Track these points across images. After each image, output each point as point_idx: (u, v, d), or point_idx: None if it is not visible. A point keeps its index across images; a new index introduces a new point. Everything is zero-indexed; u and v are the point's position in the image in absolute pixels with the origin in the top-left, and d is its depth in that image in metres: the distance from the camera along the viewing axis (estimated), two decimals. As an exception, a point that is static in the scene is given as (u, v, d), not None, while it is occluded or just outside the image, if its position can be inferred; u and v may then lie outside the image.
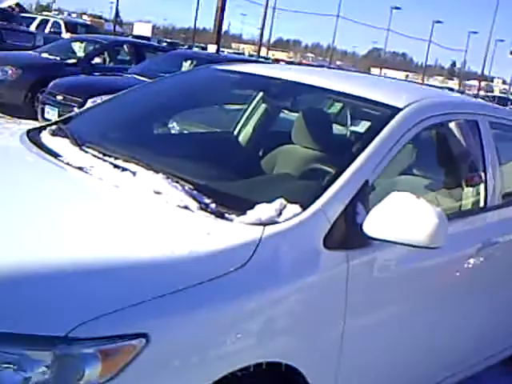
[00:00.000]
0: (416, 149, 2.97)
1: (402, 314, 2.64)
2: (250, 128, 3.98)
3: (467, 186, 3.02)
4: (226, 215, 2.23)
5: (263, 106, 3.93)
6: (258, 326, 2.03)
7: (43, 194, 2.39)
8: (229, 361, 1.92)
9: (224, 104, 3.85)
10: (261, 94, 3.79)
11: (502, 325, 3.48)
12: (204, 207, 2.26)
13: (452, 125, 2.92)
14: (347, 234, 2.33)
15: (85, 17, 74.91)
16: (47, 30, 22.46)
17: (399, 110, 2.76)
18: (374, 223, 2.31)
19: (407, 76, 68.61)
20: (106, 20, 72.08)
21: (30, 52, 12.29)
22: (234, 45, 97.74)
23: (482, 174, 3.12)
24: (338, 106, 3.65)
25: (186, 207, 2.26)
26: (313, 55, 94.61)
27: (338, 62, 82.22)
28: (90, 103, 7.89)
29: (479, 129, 3.16)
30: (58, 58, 11.23)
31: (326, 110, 3.60)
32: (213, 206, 2.29)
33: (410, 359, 2.82)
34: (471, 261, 2.96)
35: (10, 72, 10.47)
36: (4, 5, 31.11)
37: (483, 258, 3.00)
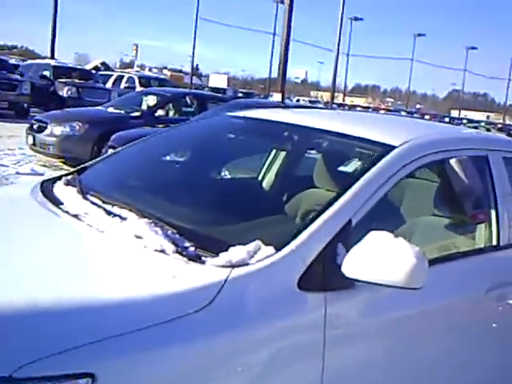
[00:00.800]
0: (412, 187, 2.92)
1: (386, 366, 2.54)
2: (272, 174, 4.01)
3: (471, 223, 2.92)
4: (202, 258, 2.25)
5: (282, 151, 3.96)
6: (219, 365, 2.01)
7: (28, 240, 2.49)
8: None
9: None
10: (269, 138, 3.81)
11: None
12: (180, 251, 2.29)
13: (453, 162, 2.85)
14: (325, 276, 2.29)
15: (165, 71, 77.44)
16: (122, 86, 23.41)
17: (393, 148, 2.74)
18: (353, 263, 2.27)
19: (488, 117, 67.22)
20: (186, 73, 74.34)
21: (99, 107, 12.82)
22: (312, 93, 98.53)
23: (493, 211, 3.01)
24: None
25: (162, 251, 2.29)
26: (392, 100, 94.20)
27: (418, 106, 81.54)
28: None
29: (489, 164, 3.07)
30: (122, 112, 11.64)
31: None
32: (192, 249, 2.31)
33: None
34: (476, 304, 2.85)
35: (77, 127, 10.93)
36: (90, 66, 32.89)
37: (493, 301, 2.88)
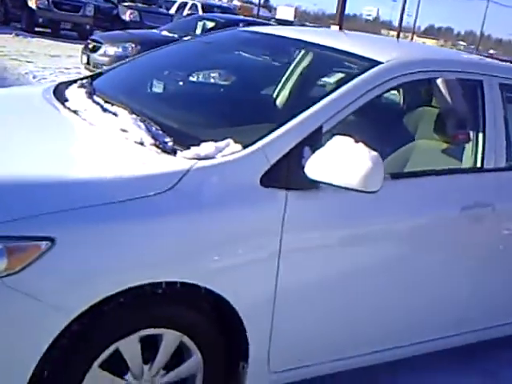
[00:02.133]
0: (396, 103, 3.00)
1: (343, 265, 2.67)
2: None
3: (452, 143, 3.00)
4: (175, 151, 2.43)
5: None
6: (171, 245, 2.20)
7: (23, 126, 2.74)
8: (131, 274, 2.13)
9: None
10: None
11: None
12: (157, 144, 2.47)
13: (439, 81, 2.91)
14: (289, 175, 2.44)
15: (236, 1, 76.71)
16: (185, 13, 23.37)
17: (379, 63, 2.84)
18: (315, 165, 2.41)
19: None
20: (256, 5, 73.56)
21: (154, 30, 12.97)
22: (383, 31, 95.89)
23: (480, 135, 3.08)
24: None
25: (141, 143, 2.49)
26: (464, 43, 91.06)
27: (491, 51, 78.55)
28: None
29: (483, 89, 3.12)
30: (175, 35, 11.76)
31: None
32: (170, 144, 2.50)
33: (349, 317, 2.79)
34: (450, 221, 2.95)
35: (129, 48, 11.13)
36: None
37: (468, 221, 2.97)
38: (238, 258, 2.35)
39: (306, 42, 3.36)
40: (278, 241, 2.40)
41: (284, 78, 3.86)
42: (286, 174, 2.44)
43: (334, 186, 2.40)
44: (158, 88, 3.62)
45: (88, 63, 11.35)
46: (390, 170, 2.76)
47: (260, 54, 3.91)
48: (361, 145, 2.38)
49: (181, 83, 3.80)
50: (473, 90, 3.16)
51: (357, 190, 2.38)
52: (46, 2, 17.86)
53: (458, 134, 2.98)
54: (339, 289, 2.68)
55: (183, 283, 2.23)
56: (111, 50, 11.11)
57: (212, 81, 4.10)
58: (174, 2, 25.08)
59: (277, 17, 43.10)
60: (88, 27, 18.86)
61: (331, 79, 2.97)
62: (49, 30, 18.30)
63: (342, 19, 15.36)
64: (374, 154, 2.36)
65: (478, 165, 3.10)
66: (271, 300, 2.45)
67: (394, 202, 2.73)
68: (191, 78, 3.96)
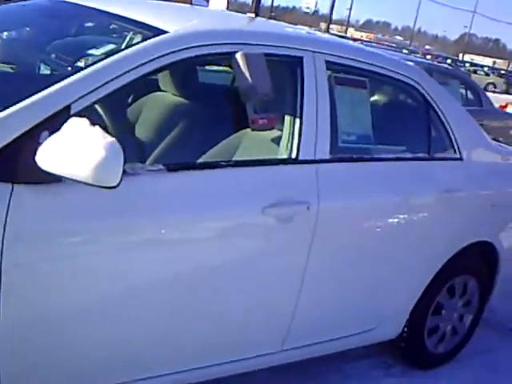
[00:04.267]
0: (183, 80, 2.53)
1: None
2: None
3: (252, 129, 2.53)
4: None
5: None
6: None
7: None
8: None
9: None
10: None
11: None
12: None
13: (238, 56, 2.44)
14: (19, 165, 1.94)
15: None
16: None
17: (164, 32, 2.36)
18: (46, 154, 1.91)
19: (494, 62, 65.27)
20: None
21: None
22: (322, 25, 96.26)
23: (296, 120, 2.63)
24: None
25: None
26: (401, 38, 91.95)
27: (427, 46, 79.53)
28: None
29: (302, 67, 2.67)
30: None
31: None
32: None
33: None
34: (246, 224, 2.50)
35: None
36: None
37: (274, 219, 2.52)
38: None
39: (94, 9, 2.81)
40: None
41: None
42: (14, 164, 1.93)
43: (67, 178, 1.91)
44: None
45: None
46: (167, 161, 2.29)
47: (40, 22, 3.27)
48: (97, 128, 1.90)
49: None
50: (287, 68, 2.73)
51: (91, 185, 1.89)
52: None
53: (257, 119, 2.51)
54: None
55: None
56: None
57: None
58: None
59: (209, 7, 42.41)
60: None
61: (99, 51, 2.45)
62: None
63: (259, 7, 14.83)
64: (110, 140, 1.88)
65: (293, 155, 2.65)
66: None
67: (156, 200, 2.24)
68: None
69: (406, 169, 3.07)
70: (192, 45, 2.37)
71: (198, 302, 2.44)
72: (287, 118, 2.69)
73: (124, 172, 2.11)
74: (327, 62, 2.79)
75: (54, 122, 1.99)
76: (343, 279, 2.88)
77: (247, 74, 2.44)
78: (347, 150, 2.86)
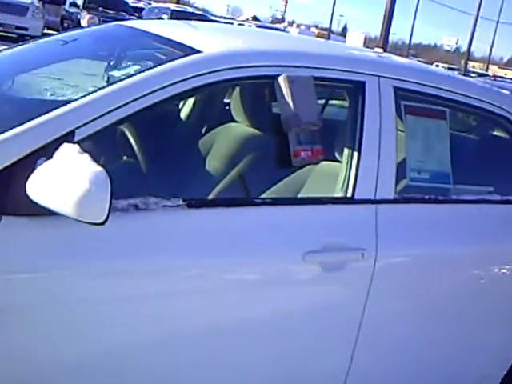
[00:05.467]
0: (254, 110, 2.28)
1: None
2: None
3: (294, 163, 2.20)
4: None
5: None
6: None
7: None
8: None
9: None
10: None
11: None
12: None
13: (281, 80, 2.15)
14: (8, 196, 1.75)
15: (313, 29, 76.52)
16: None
17: (196, 52, 2.13)
18: (36, 183, 1.72)
19: None
20: (333, 32, 73.39)
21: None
22: (463, 62, 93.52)
23: (355, 154, 2.30)
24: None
25: None
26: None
27: None
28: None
29: (364, 93, 2.34)
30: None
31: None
32: None
33: None
34: (293, 267, 2.17)
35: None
36: (241, 18, 32.38)
37: (319, 267, 2.18)
38: None
39: (148, 33, 2.62)
40: None
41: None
42: (5, 194, 1.75)
43: (54, 212, 1.70)
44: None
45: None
46: (188, 196, 2.03)
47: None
48: (85, 156, 1.67)
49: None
50: (345, 94, 2.39)
51: (78, 220, 1.67)
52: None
53: (299, 151, 2.18)
54: None
55: None
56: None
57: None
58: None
59: (346, 43, 42.42)
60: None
61: (120, 72, 2.23)
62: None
63: (387, 42, 14.51)
64: (98, 170, 1.65)
65: (348, 194, 2.29)
66: None
67: (171, 242, 1.97)
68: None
69: (492, 213, 2.61)
70: (224, 67, 2.11)
71: (222, 364, 2.13)
72: (345, 152, 2.35)
73: (136, 207, 1.90)
74: (396, 88, 2.42)
75: (50, 148, 1.79)
76: (402, 341, 2.45)
77: (289, 100, 2.14)
78: (418, 190, 2.46)
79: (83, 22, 18.72)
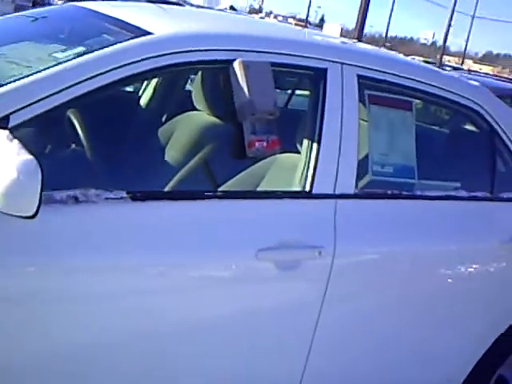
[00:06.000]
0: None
1: None
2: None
3: (248, 154, 2.07)
4: None
5: None
6: None
7: None
8: None
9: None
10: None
11: None
12: None
13: (236, 65, 2.01)
14: None
15: (290, 19, 76.17)
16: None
17: (147, 34, 1.99)
18: None
19: None
20: (311, 23, 73.07)
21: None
22: (438, 56, 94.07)
23: (314, 146, 2.17)
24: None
25: None
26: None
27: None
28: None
29: (325, 81, 2.21)
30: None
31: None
32: None
33: None
34: (246, 265, 2.04)
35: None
36: (218, 7, 32.01)
37: (273, 265, 2.05)
38: None
39: (100, 14, 2.46)
40: None
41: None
42: None
43: None
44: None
45: None
46: (131, 188, 1.88)
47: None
48: (15, 144, 1.52)
49: None
50: (305, 81, 2.26)
51: (5, 213, 1.52)
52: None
53: (253, 141, 2.05)
54: None
55: None
56: None
57: None
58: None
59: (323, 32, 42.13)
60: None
61: (64, 54, 2.07)
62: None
63: (362, 34, 14.41)
64: (28, 158, 1.50)
65: (306, 188, 2.17)
66: None
67: (111, 237, 1.83)
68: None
69: (458, 210, 2.50)
70: (175, 50, 1.97)
71: (169, 364, 1.99)
72: (304, 143, 2.22)
73: (76, 199, 1.76)
74: (360, 76, 2.29)
75: None
76: (361, 343, 2.33)
77: (244, 87, 2.00)
78: (380, 185, 2.34)
79: (55, 6, 18.36)
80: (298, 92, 2.52)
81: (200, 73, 2.42)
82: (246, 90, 1.99)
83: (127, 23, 2.19)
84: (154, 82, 2.97)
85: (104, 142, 2.37)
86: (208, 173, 2.37)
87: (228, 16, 3.77)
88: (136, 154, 2.45)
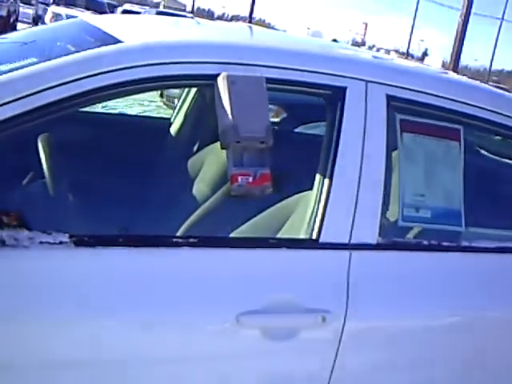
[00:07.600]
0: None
1: None
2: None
3: (231, 191, 1.64)
4: None
5: None
6: None
7: None
8: None
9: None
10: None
11: None
12: None
13: (220, 80, 1.61)
14: None
15: (392, 53, 75.28)
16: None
17: (117, 42, 1.66)
18: None
19: None
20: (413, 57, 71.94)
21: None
22: None
23: (325, 182, 1.73)
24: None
25: None
26: None
27: None
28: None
29: (343, 102, 1.77)
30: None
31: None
32: None
33: None
34: (225, 332, 1.61)
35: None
36: None
37: (259, 332, 1.61)
38: None
39: (87, 24, 2.13)
40: None
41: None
42: None
43: None
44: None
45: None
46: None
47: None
48: None
49: None
50: (314, 104, 1.83)
51: None
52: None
53: (236, 175, 1.61)
54: None
55: None
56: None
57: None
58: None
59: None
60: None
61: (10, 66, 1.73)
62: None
63: (457, 66, 13.72)
64: None
65: (313, 235, 1.72)
66: None
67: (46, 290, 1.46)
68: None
69: None
70: (145, 62, 1.59)
71: None
72: (313, 178, 1.78)
73: (2, 243, 1.42)
74: (390, 96, 1.83)
75: None
76: None
77: (227, 106, 1.59)
78: (413, 233, 1.86)
79: (46, 19, 17.58)
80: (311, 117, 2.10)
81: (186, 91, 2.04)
82: (229, 111, 1.58)
83: (103, 32, 1.84)
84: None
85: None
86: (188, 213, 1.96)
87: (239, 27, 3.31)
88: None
